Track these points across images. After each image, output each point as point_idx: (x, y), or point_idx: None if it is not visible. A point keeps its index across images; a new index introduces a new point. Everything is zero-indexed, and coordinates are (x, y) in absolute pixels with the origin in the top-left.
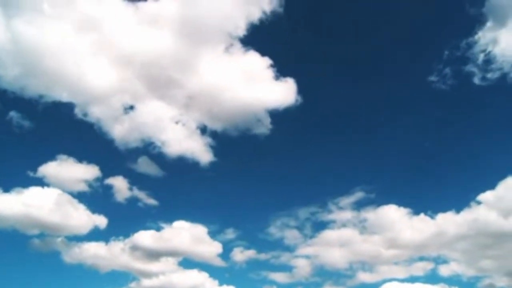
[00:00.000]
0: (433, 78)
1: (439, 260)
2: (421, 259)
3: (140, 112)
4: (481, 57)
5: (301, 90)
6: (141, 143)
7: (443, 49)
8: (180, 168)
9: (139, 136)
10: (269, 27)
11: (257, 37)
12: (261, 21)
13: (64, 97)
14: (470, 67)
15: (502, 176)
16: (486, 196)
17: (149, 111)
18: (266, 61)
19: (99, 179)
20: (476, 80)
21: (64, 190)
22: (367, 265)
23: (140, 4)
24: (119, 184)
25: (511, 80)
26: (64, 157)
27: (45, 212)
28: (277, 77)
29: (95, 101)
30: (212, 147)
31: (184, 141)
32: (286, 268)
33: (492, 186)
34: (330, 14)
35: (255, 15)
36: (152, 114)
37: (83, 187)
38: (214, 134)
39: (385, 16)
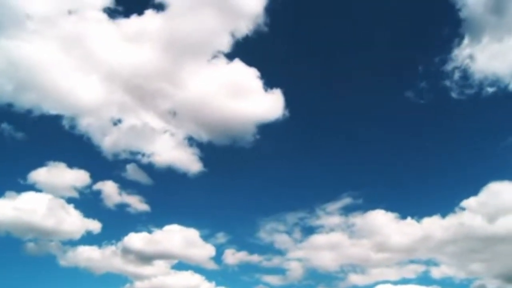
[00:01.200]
0: (416, 89)
1: (430, 263)
2: (412, 262)
3: (128, 124)
4: (458, 72)
5: (288, 100)
6: (129, 155)
7: (423, 65)
8: (169, 177)
9: (127, 147)
10: (254, 39)
11: (242, 50)
12: (247, 34)
13: (53, 110)
14: (447, 83)
15: (484, 183)
16: (469, 202)
17: (137, 124)
18: (252, 73)
19: (89, 186)
20: (454, 95)
21: (55, 196)
22: (359, 268)
23: (123, 20)
24: (110, 190)
25: (487, 94)
26: (54, 163)
27: (38, 217)
28: (263, 89)
29: (83, 114)
30: (200, 157)
31: (172, 151)
32: (278, 271)
33: (475, 192)
34: (313, 31)
35: (240, 28)
36: (139, 126)
37: (74, 193)
38: (201, 145)
39: (368, 32)
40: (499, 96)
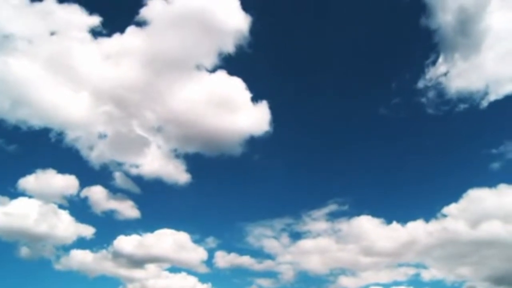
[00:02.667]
0: (393, 104)
1: (419, 266)
2: (401, 265)
3: (114, 137)
4: (433, 89)
5: (273, 112)
6: (117, 165)
7: (400, 83)
8: (157, 187)
9: (114, 159)
10: (238, 54)
11: (227, 63)
12: (231, 48)
13: (41, 124)
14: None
15: (464, 190)
16: (451, 208)
17: (123, 137)
18: (238, 85)
19: (77, 193)
20: (430, 110)
21: (46, 201)
22: (348, 271)
23: (106, 39)
24: (100, 195)
25: (461, 110)
26: (44, 170)
27: (30, 222)
28: (249, 101)
29: (71, 128)
30: (187, 168)
31: (159, 163)
32: (270, 274)
33: (455, 199)
34: (294, 49)
35: (225, 43)
36: (126, 140)
37: (64, 198)
38: (188, 156)
39: (346, 50)
40: (472, 111)
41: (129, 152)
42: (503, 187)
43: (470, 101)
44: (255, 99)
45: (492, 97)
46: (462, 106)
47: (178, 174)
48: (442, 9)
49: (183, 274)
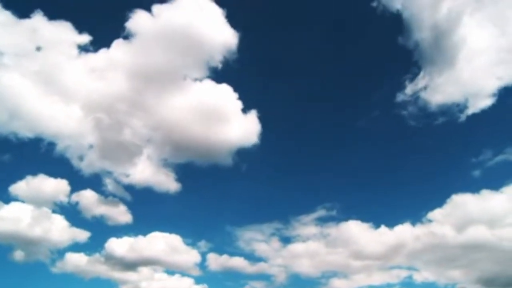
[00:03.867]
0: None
1: (410, 269)
2: (392, 268)
3: (103, 147)
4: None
5: (262, 121)
6: (107, 173)
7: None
8: (147, 195)
9: (104, 167)
10: (226, 65)
11: (215, 75)
12: (219, 59)
13: (31, 134)
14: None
15: (447, 195)
16: (435, 213)
17: (113, 148)
18: (226, 96)
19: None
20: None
21: (40, 206)
22: (340, 274)
23: (93, 54)
24: (91, 199)
25: (440, 122)
26: (37, 176)
27: (24, 226)
28: (239, 111)
29: (61, 139)
30: (177, 177)
31: (149, 173)
32: (263, 277)
33: (440, 204)
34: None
35: (212, 55)
36: (116, 150)
37: (57, 203)
38: (178, 166)
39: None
40: (452, 123)
41: (119, 161)
42: (485, 193)
43: (449, 114)
44: (244, 109)
45: (470, 111)
46: (441, 119)
47: (168, 183)
48: (418, 27)
49: (177, 276)
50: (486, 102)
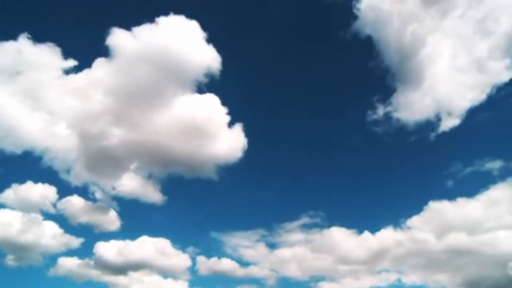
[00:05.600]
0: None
1: (398, 273)
2: (380, 272)
3: (90, 162)
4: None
5: (247, 133)
6: (93, 185)
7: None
8: (134, 205)
9: (92, 181)
10: (208, 82)
11: (199, 90)
12: (200, 76)
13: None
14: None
15: (425, 202)
16: (414, 220)
17: (99, 162)
18: (210, 111)
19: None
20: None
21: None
22: (328, 278)
23: (74, 75)
24: (80, 205)
25: (412, 139)
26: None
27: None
28: (225, 125)
29: (47, 153)
30: (162, 189)
31: (135, 185)
32: (253, 281)
33: (417, 211)
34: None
35: (194, 73)
36: (102, 164)
37: (47, 208)
38: (163, 179)
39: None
40: (423, 139)
41: (106, 175)
42: (461, 200)
43: (419, 132)
44: (229, 123)
45: (441, 129)
46: (413, 137)
47: (154, 195)
48: (387, 50)
49: (169, 280)
50: (453, 122)
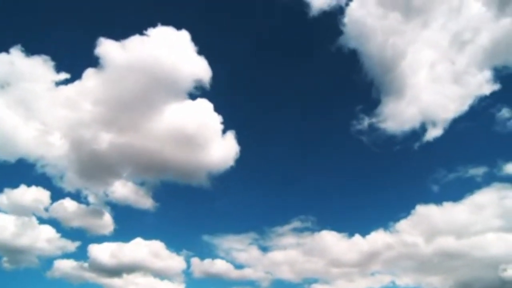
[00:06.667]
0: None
1: (392, 275)
2: (373, 274)
3: (82, 169)
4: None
5: (239, 140)
6: (86, 190)
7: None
8: (127, 211)
9: (83, 187)
10: (199, 91)
11: (191, 98)
12: (191, 85)
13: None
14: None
15: (412, 206)
16: (402, 224)
17: (91, 169)
18: (202, 120)
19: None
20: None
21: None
22: (322, 280)
23: (62, 87)
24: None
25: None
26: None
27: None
28: (219, 134)
29: (40, 161)
30: (154, 196)
31: (127, 192)
32: (247, 283)
33: (405, 215)
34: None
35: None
36: (94, 171)
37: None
38: (155, 186)
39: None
40: (407, 148)
41: (98, 182)
42: (447, 205)
43: (404, 141)
44: (223, 131)
45: (425, 139)
46: (398, 146)
47: (146, 202)
48: (369, 63)
49: (165, 282)
50: (437, 131)
